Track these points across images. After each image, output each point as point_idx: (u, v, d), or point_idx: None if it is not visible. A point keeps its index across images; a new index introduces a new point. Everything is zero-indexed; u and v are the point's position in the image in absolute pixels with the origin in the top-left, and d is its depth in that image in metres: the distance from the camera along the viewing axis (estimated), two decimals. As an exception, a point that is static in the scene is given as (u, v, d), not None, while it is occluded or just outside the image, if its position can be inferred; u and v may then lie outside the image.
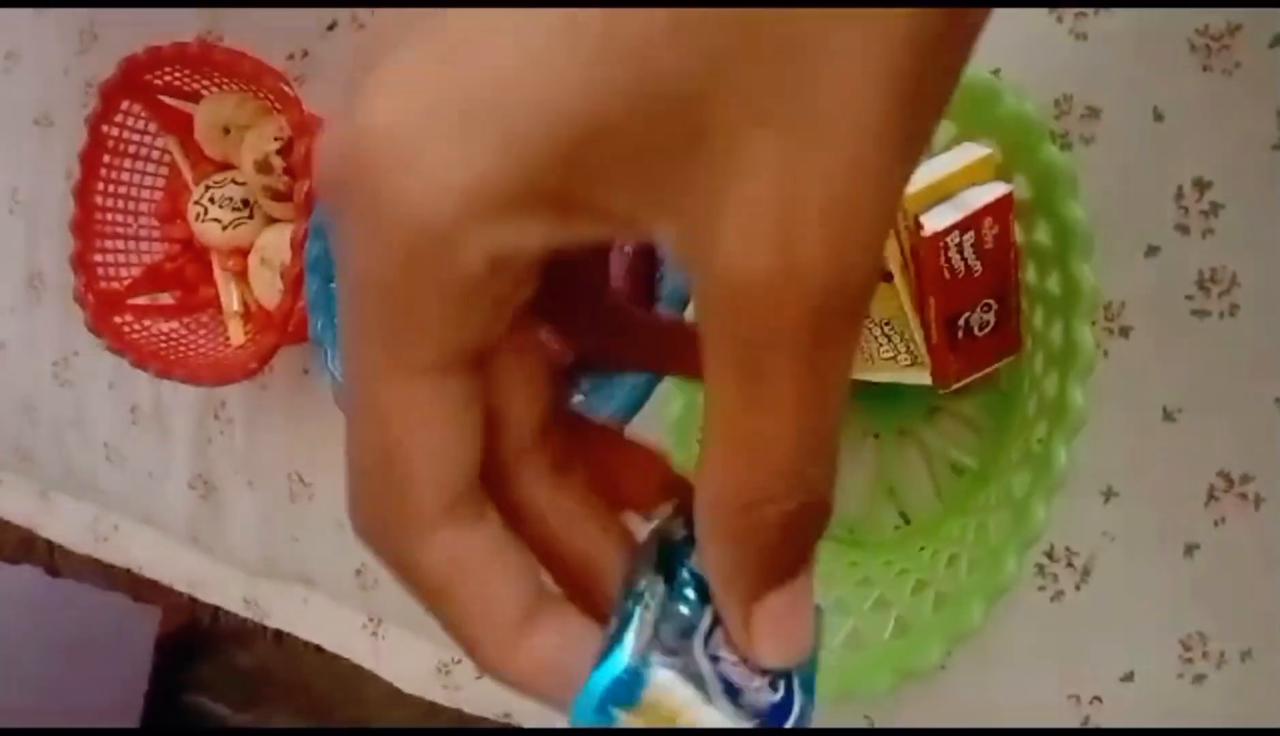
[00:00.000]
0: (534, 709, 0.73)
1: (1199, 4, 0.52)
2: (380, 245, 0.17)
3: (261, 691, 1.83)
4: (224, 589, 0.84)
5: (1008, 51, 0.54)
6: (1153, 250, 0.52)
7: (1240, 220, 0.51)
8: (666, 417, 0.52)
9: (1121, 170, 0.53)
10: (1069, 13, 0.54)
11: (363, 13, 0.72)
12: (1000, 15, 0.56)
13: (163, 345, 0.69)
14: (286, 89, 0.63)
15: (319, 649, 0.83)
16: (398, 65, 0.17)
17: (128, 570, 0.92)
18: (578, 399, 0.64)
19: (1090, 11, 0.53)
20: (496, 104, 0.16)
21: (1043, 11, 0.54)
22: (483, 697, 0.75)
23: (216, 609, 0.88)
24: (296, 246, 0.61)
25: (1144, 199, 0.52)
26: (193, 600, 0.89)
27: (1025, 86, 0.53)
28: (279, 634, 0.85)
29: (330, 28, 0.73)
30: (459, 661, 0.75)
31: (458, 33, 0.16)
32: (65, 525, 0.93)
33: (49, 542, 0.97)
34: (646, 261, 0.57)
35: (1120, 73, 0.53)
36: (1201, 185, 0.51)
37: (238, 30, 0.77)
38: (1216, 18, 0.52)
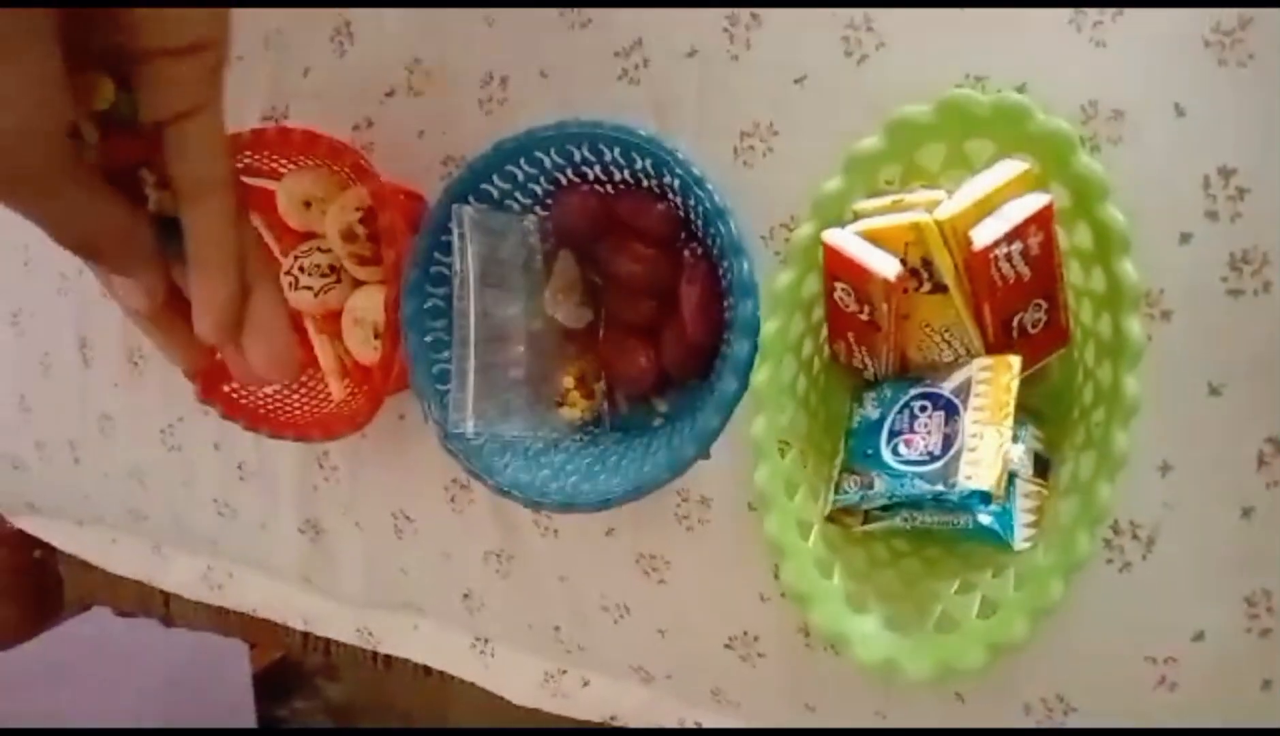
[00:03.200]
0: (637, 712, 0.78)
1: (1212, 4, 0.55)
2: None
3: (352, 719, 1.90)
4: (337, 622, 0.90)
5: (1032, 65, 0.58)
6: (1185, 237, 0.56)
7: (1266, 202, 0.55)
8: (749, 435, 0.57)
9: (1150, 166, 0.56)
10: (1087, 22, 0.58)
11: (418, 80, 0.77)
12: (1023, 31, 0.61)
13: (271, 408, 0.75)
14: (364, 163, 0.68)
15: (426, 671, 0.89)
16: None
17: (240, 613, 0.98)
18: (658, 422, 0.69)
19: (1107, 19, 0.57)
20: None
21: (1062, 23, 0.58)
22: (589, 704, 0.80)
23: (329, 643, 0.94)
24: (390, 306, 0.66)
25: (1173, 190, 0.56)
26: (305, 635, 0.95)
27: (1052, 96, 0.57)
28: (389, 659, 0.91)
29: (389, 95, 0.78)
30: (565, 672, 0.80)
31: None
32: (179, 577, 1.00)
33: (164, 593, 1.04)
34: (716, 296, 0.62)
35: (1140, 74, 0.57)
36: (1226, 173, 0.55)
37: (301, 105, 0.82)
38: (1228, 14, 0.55)
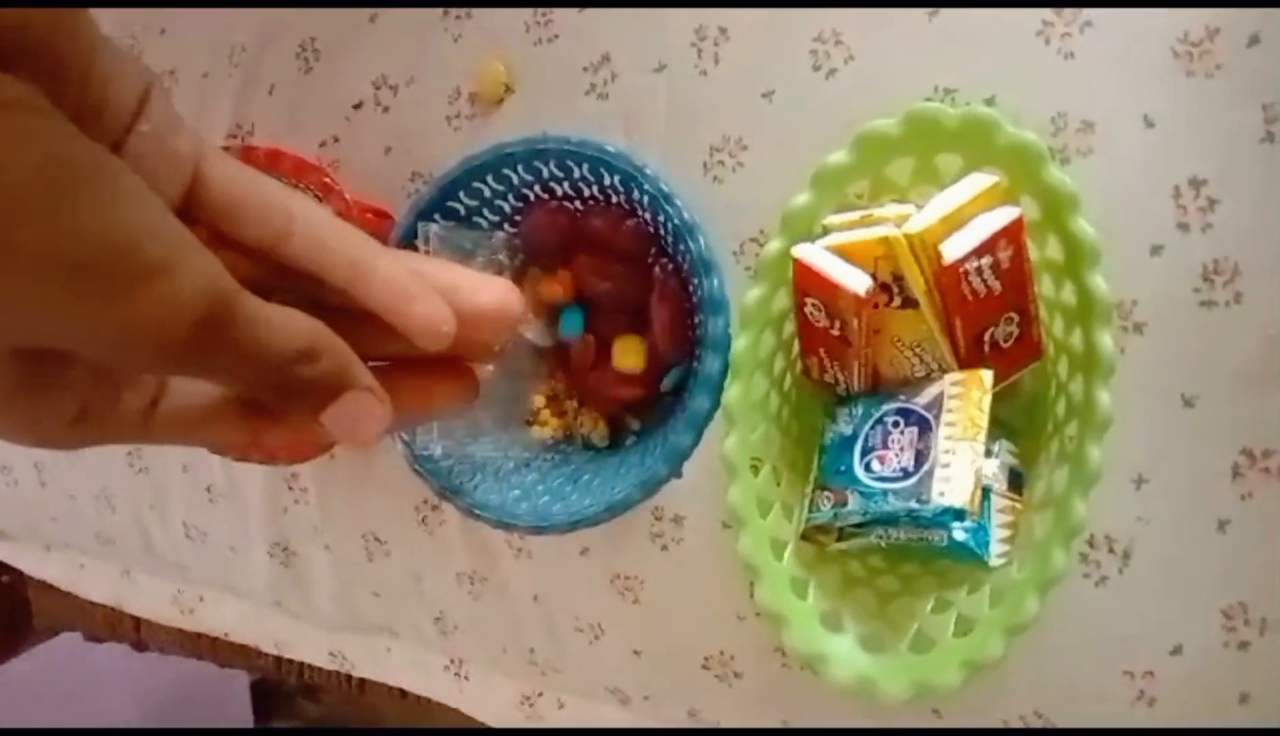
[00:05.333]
0: None
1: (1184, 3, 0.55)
2: None
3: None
4: (310, 646, 0.89)
5: (1001, 78, 0.58)
6: (1157, 249, 0.56)
7: (1237, 212, 0.54)
8: (720, 451, 0.56)
9: (1120, 177, 0.56)
10: (1055, 34, 0.57)
11: (385, 94, 0.76)
12: (991, 44, 0.61)
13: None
14: (330, 181, 0.67)
15: (402, 693, 0.88)
16: None
17: (211, 637, 0.97)
18: (630, 440, 0.68)
19: (1075, 31, 0.57)
20: None
21: (1030, 35, 0.58)
22: (564, 727, 0.79)
23: (302, 665, 0.92)
24: (356, 327, 0.65)
25: (1144, 202, 0.56)
26: (278, 659, 0.93)
27: (1021, 109, 0.57)
28: (363, 681, 0.90)
29: (356, 107, 0.78)
30: (540, 694, 0.79)
31: None
32: (149, 601, 0.98)
33: (134, 618, 1.02)
34: (686, 312, 0.61)
35: (1109, 86, 0.57)
36: (1197, 183, 0.55)
37: (267, 123, 0.81)
38: (1195, 24, 0.55)
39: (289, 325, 0.27)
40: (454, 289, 0.31)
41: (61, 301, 0.23)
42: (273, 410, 0.29)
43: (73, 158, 0.23)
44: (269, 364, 0.27)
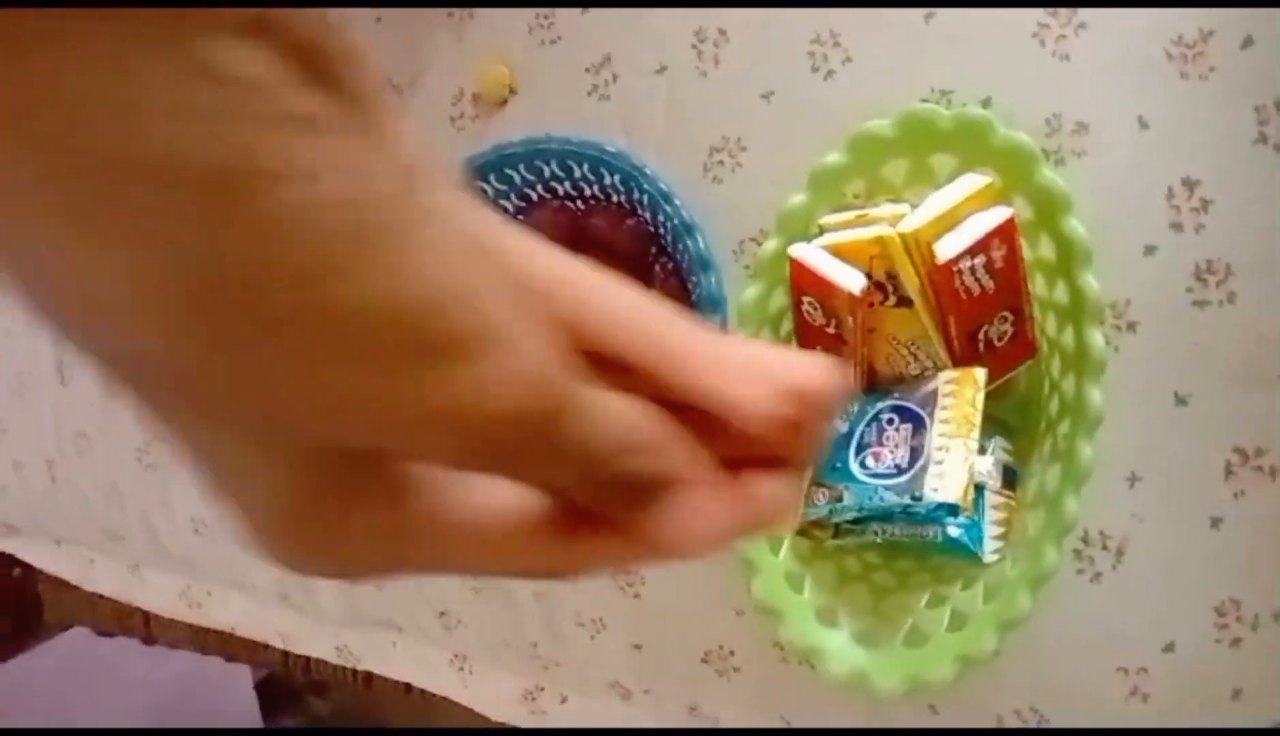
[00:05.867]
0: (615, 727, 0.77)
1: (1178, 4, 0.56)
2: None
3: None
4: (316, 640, 0.90)
5: (997, 80, 0.59)
6: (1150, 249, 0.56)
7: (1229, 213, 0.55)
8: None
9: (1114, 178, 0.57)
10: (1051, 36, 0.58)
11: (389, 95, 0.77)
12: (987, 46, 0.61)
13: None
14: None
15: (408, 688, 0.89)
16: None
17: (219, 632, 0.98)
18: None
19: (1070, 33, 0.58)
20: None
21: (1026, 37, 0.58)
22: (567, 721, 0.80)
23: (309, 660, 0.93)
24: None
25: (1138, 202, 0.56)
26: (285, 654, 0.94)
27: (1016, 110, 0.57)
28: (369, 676, 0.91)
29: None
30: (542, 689, 0.80)
31: None
32: (158, 595, 0.99)
33: (144, 612, 1.03)
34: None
35: (1104, 88, 0.57)
36: (1190, 184, 0.55)
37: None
38: (1189, 27, 0.56)
39: (629, 413, 0.23)
40: (768, 365, 0.26)
41: (380, 370, 0.19)
42: (592, 514, 0.24)
43: (407, 201, 0.18)
44: (601, 459, 0.23)
